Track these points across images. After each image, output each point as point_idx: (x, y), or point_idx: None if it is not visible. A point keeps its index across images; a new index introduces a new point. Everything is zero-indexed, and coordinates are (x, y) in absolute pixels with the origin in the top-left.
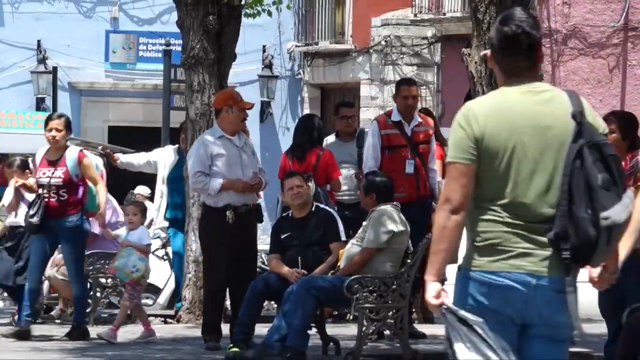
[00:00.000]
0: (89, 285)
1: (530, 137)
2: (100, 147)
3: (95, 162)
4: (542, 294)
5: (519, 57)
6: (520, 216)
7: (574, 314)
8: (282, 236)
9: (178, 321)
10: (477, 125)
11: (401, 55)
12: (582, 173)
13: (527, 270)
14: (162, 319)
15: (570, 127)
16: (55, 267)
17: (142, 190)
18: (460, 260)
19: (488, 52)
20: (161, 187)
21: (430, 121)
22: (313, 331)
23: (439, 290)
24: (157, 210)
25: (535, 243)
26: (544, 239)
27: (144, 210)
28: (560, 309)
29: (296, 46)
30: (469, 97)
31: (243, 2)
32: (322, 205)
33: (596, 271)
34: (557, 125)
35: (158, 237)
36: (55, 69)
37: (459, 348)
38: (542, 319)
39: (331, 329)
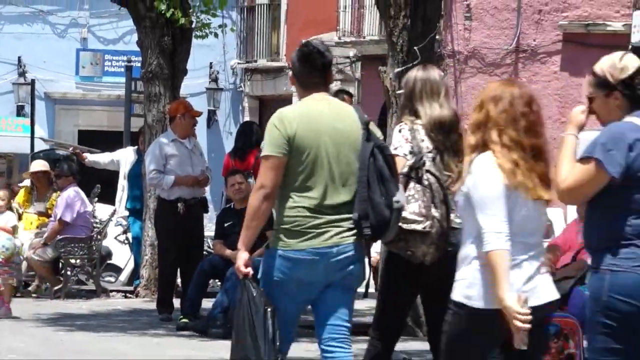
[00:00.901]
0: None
1: (330, 137)
2: (71, 148)
3: None
4: (340, 259)
5: (315, 74)
6: (321, 202)
7: (364, 270)
8: (225, 224)
9: (136, 296)
10: (290, 127)
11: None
12: (375, 167)
13: (326, 244)
14: (123, 294)
15: (359, 131)
16: (32, 250)
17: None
18: None
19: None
20: (123, 182)
21: None
22: None
23: (247, 260)
24: (119, 201)
25: (332, 222)
26: (339, 217)
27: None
28: (354, 266)
29: (238, 63)
30: (385, 107)
31: (193, 26)
32: None
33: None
34: (349, 130)
35: (120, 225)
36: (33, 81)
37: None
38: (341, 276)
39: None
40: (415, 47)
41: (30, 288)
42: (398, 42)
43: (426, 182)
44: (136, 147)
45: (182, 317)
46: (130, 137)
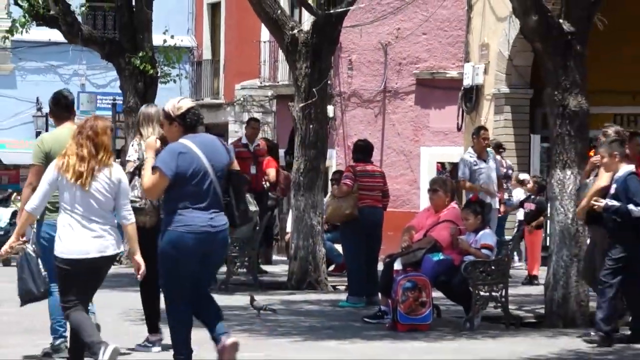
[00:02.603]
0: None
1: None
2: None
3: None
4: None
5: (64, 110)
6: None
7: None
8: None
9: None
10: (47, 145)
11: (252, 106)
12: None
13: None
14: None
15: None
16: None
17: None
18: None
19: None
20: None
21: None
22: None
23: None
24: None
25: None
26: None
27: None
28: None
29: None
30: (293, 131)
31: (159, 75)
32: None
33: None
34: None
35: None
36: (47, 114)
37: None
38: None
39: None
40: (314, 89)
41: None
42: (302, 86)
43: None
44: (119, 160)
45: None
46: (116, 154)
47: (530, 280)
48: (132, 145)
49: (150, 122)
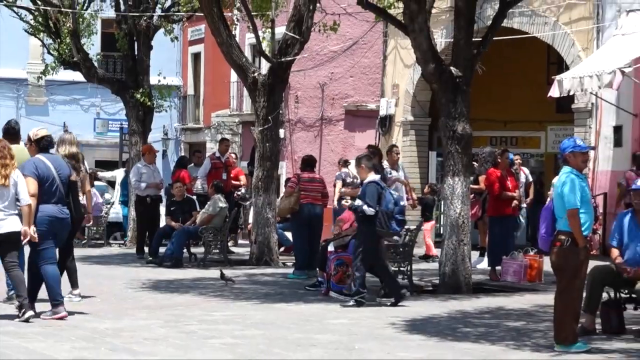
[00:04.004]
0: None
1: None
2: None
3: None
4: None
5: (15, 137)
6: None
7: None
8: (172, 209)
9: (126, 246)
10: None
11: (224, 129)
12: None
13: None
14: (118, 245)
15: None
16: None
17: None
18: None
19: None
20: (117, 186)
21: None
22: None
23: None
24: (115, 197)
25: None
26: None
27: None
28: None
29: (179, 125)
30: (254, 149)
31: (155, 106)
32: (187, 195)
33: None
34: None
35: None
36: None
37: None
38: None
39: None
40: (269, 117)
41: None
42: (260, 114)
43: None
44: (125, 168)
45: (149, 258)
46: (122, 164)
47: (425, 258)
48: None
49: (65, 143)
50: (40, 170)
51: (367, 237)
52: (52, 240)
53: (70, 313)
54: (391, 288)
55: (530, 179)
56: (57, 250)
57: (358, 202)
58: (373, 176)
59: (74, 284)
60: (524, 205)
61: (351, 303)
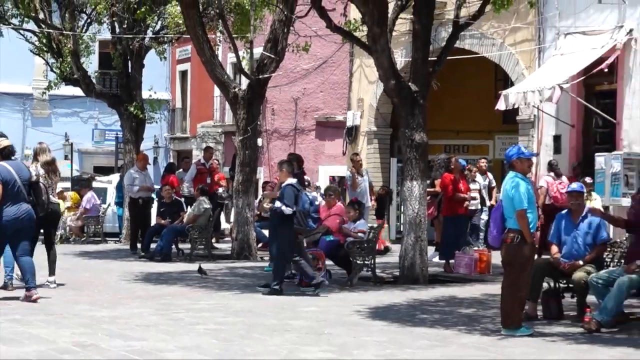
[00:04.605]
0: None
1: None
2: (89, 175)
3: None
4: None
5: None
6: None
7: None
8: (161, 209)
9: (121, 242)
10: None
11: (208, 138)
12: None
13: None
14: (114, 241)
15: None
16: (72, 221)
17: None
18: None
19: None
20: (113, 189)
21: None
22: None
23: None
24: (111, 198)
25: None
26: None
27: None
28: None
29: (168, 135)
30: (235, 156)
31: (146, 118)
32: (175, 197)
33: None
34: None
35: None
36: (72, 144)
37: None
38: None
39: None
40: (248, 127)
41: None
42: (240, 125)
43: (42, 186)
44: (120, 173)
45: (142, 253)
46: (117, 169)
47: (383, 251)
48: (32, 167)
49: (44, 152)
50: (3, 175)
51: (286, 234)
52: (19, 237)
53: (71, 303)
54: (308, 279)
55: (494, 183)
56: (29, 242)
57: (277, 203)
58: (291, 180)
59: (51, 271)
60: (487, 206)
61: (266, 290)
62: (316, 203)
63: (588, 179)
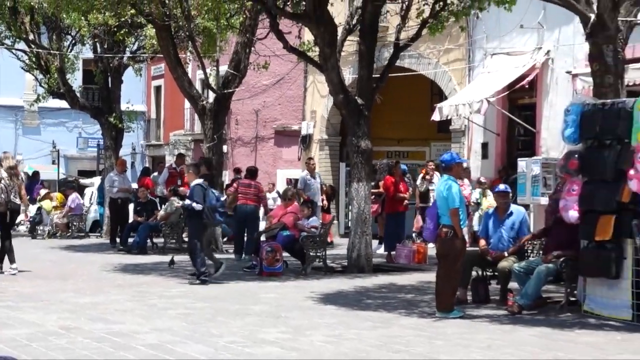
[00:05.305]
0: (70, 224)
1: None
2: (74, 178)
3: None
4: None
5: None
6: None
7: None
8: (137, 208)
9: (102, 237)
10: None
11: (180, 146)
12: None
13: None
14: (96, 236)
15: None
16: (58, 218)
17: None
18: None
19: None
20: (94, 190)
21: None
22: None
23: None
24: (92, 199)
25: None
26: None
27: None
28: None
29: (144, 142)
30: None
31: (124, 127)
32: (150, 197)
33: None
34: None
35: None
36: (58, 150)
37: None
38: None
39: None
40: (215, 136)
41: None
42: (208, 134)
43: (3, 186)
44: (101, 176)
45: (120, 247)
46: (99, 172)
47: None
48: None
49: (8, 159)
50: None
51: (197, 228)
52: None
53: (58, 291)
54: (198, 272)
55: None
56: None
57: (187, 201)
58: (198, 180)
59: (12, 260)
60: None
61: (198, 282)
62: (222, 199)
63: (483, 179)
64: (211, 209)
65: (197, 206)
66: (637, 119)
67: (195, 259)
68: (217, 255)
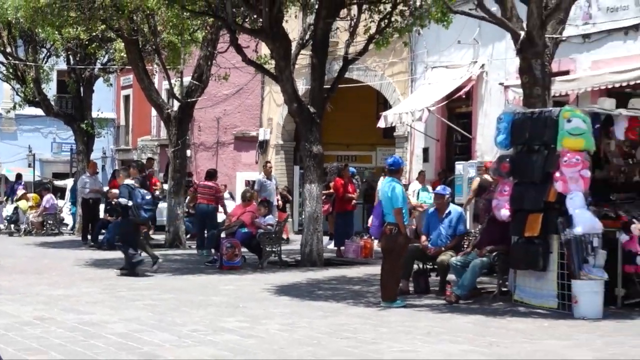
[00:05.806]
0: (44, 222)
1: None
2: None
3: None
4: None
5: None
6: None
7: None
8: (108, 207)
9: (74, 234)
10: None
11: (147, 150)
12: None
13: None
14: (69, 234)
15: None
16: (34, 217)
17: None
18: None
19: None
20: (67, 192)
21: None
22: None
23: None
24: (66, 199)
25: None
26: None
27: None
28: None
29: (114, 147)
30: (168, 164)
31: (95, 133)
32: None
33: None
34: None
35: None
36: (34, 154)
37: None
38: None
39: None
40: (179, 141)
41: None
42: (173, 140)
43: None
44: (74, 178)
45: (91, 243)
46: (72, 175)
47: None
48: None
49: None
50: None
51: (125, 223)
52: None
53: (33, 285)
54: (128, 262)
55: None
56: None
57: (120, 199)
58: (127, 181)
59: None
60: None
61: (124, 272)
62: (148, 198)
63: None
64: (136, 207)
65: (123, 201)
66: (562, 127)
67: (125, 251)
68: (180, 251)
